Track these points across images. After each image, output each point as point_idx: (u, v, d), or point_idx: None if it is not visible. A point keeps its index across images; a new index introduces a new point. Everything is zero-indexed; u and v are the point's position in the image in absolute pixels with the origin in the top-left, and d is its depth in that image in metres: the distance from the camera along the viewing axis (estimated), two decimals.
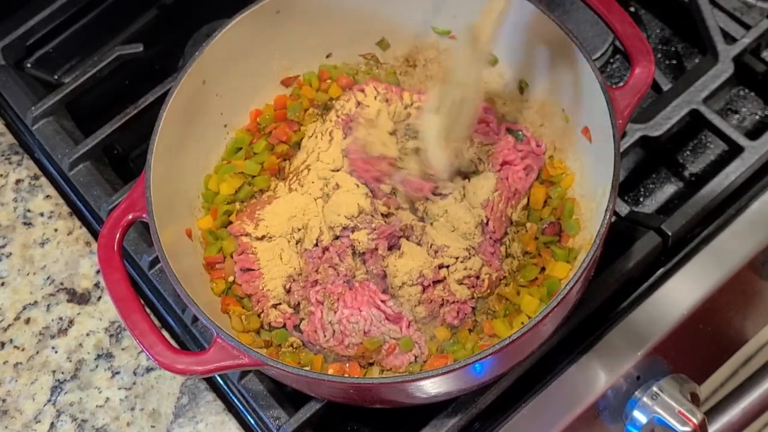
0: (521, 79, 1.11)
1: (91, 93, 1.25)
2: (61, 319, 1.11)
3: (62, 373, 1.08)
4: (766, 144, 1.12)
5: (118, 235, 0.97)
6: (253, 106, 1.15)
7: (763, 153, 1.11)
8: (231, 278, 1.04)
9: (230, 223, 1.08)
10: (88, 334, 1.10)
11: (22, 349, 1.10)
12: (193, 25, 1.31)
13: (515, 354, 0.95)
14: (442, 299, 1.01)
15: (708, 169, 1.19)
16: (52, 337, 1.10)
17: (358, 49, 1.16)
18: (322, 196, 1.06)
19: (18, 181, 1.20)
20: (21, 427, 1.06)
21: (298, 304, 1.03)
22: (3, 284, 1.14)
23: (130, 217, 0.98)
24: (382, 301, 1.00)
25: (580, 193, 1.05)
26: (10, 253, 1.15)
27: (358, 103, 1.11)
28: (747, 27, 1.20)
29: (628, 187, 1.18)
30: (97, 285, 1.13)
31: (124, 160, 1.25)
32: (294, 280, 1.03)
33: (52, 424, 1.06)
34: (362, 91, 1.12)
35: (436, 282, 1.01)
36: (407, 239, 1.03)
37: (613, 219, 1.00)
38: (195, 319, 1.07)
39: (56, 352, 1.09)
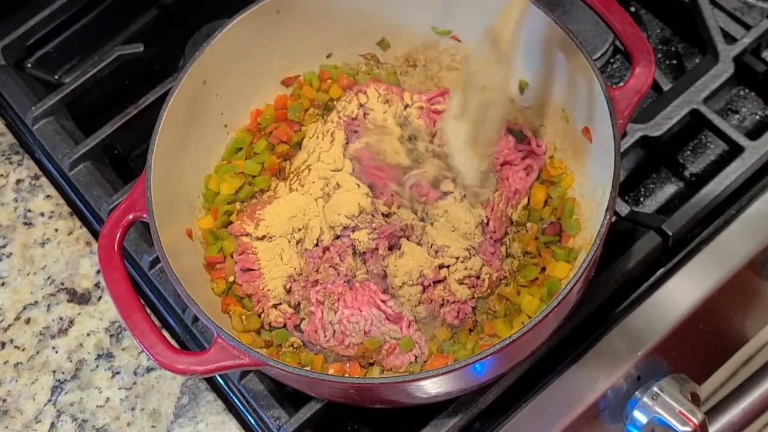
0: (521, 79, 1.10)
1: (92, 93, 1.25)
2: (61, 319, 1.11)
3: (62, 373, 1.08)
4: (766, 144, 1.12)
5: (118, 235, 0.97)
6: (253, 106, 1.15)
7: (764, 153, 1.11)
8: (231, 278, 1.04)
9: (230, 223, 1.08)
10: (88, 334, 1.10)
11: (23, 349, 1.10)
12: (193, 25, 1.31)
13: (515, 354, 0.95)
14: (443, 299, 1.01)
15: (708, 169, 1.19)
16: (53, 337, 1.10)
17: (358, 49, 1.16)
18: (323, 196, 1.06)
19: (18, 181, 1.20)
20: (21, 427, 1.06)
21: (299, 304, 1.03)
22: (3, 284, 1.14)
23: (131, 217, 0.98)
24: (383, 301, 1.00)
25: (580, 193, 1.05)
26: (11, 253, 1.15)
27: (361, 105, 1.11)
28: (747, 27, 1.20)
29: (628, 187, 1.18)
30: (97, 285, 1.13)
31: (125, 160, 1.25)
32: (294, 280, 1.03)
33: (52, 424, 1.06)
34: (364, 93, 1.12)
35: (436, 282, 1.01)
36: (407, 239, 1.03)
37: (614, 219, 1.00)
38: (195, 319, 1.07)
39: (56, 352, 1.09)
